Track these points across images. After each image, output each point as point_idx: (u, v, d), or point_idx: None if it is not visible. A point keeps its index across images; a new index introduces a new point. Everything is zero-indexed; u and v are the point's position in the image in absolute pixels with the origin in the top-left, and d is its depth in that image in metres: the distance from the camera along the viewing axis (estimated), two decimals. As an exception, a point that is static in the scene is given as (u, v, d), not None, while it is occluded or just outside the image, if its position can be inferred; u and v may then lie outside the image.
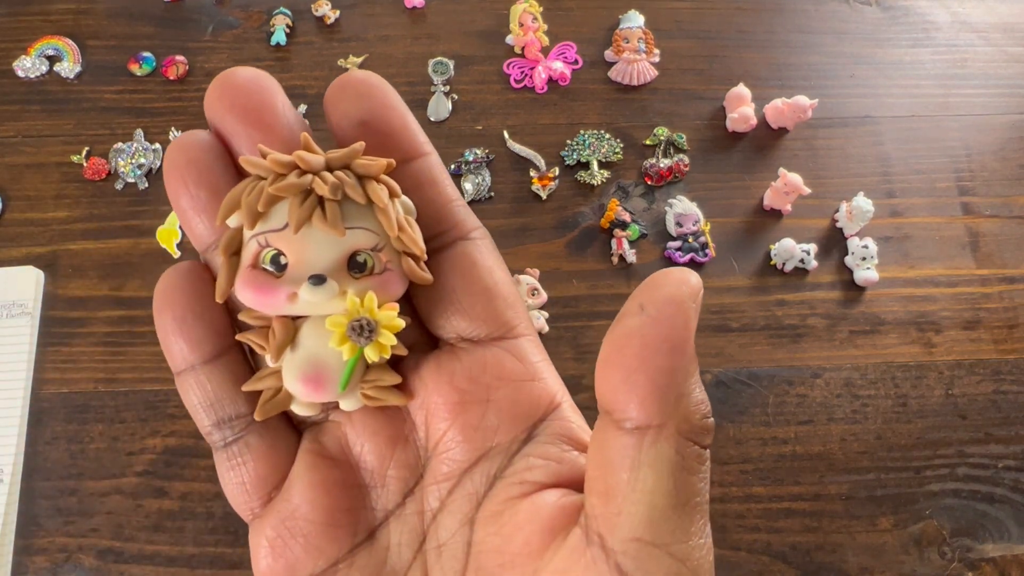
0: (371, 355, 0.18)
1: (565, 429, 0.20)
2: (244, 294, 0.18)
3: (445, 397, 0.19)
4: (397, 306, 0.18)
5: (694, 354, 0.16)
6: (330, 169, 0.18)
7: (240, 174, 0.18)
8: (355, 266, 0.18)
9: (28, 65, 0.63)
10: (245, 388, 0.19)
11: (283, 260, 0.18)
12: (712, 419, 0.17)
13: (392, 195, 0.18)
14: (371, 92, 0.19)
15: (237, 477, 0.19)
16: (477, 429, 0.19)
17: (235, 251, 0.18)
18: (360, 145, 0.18)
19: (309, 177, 0.17)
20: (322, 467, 0.19)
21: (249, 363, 0.20)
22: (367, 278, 0.18)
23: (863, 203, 0.57)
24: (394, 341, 0.18)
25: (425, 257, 0.19)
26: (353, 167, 0.18)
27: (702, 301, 0.17)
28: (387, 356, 0.19)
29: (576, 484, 0.19)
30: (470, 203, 0.59)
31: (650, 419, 0.16)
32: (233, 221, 0.18)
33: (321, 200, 0.17)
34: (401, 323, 0.18)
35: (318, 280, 0.17)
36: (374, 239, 0.18)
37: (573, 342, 0.55)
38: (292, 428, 0.20)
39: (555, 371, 0.20)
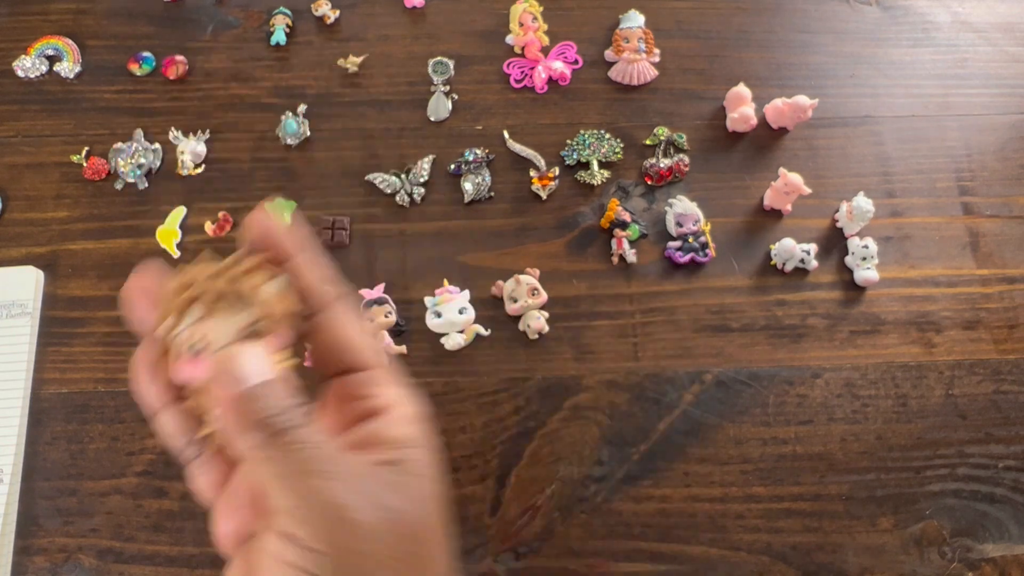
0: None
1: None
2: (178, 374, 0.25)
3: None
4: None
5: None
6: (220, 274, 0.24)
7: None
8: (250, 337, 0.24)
9: (28, 65, 0.63)
10: (197, 436, 0.25)
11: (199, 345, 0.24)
12: None
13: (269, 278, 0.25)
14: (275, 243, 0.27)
15: (208, 479, 0.25)
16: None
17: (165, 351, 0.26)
18: (241, 254, 0.25)
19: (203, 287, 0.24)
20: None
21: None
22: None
23: (863, 203, 0.57)
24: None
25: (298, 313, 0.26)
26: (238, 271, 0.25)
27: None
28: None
29: None
30: (470, 203, 0.59)
31: None
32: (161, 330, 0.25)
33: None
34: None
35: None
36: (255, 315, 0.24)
37: (573, 342, 0.55)
38: None
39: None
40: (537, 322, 0.54)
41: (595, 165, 0.60)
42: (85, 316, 0.55)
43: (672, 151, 0.61)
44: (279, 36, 0.64)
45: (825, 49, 0.65)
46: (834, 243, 0.58)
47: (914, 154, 0.62)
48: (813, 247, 0.57)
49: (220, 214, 0.58)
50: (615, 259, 0.57)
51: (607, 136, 0.61)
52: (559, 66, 0.63)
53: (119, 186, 0.59)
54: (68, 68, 0.63)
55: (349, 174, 0.60)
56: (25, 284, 0.55)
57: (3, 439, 0.52)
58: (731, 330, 0.56)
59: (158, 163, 0.60)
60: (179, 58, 0.63)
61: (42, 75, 0.63)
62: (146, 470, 0.51)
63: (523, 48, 0.64)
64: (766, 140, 0.62)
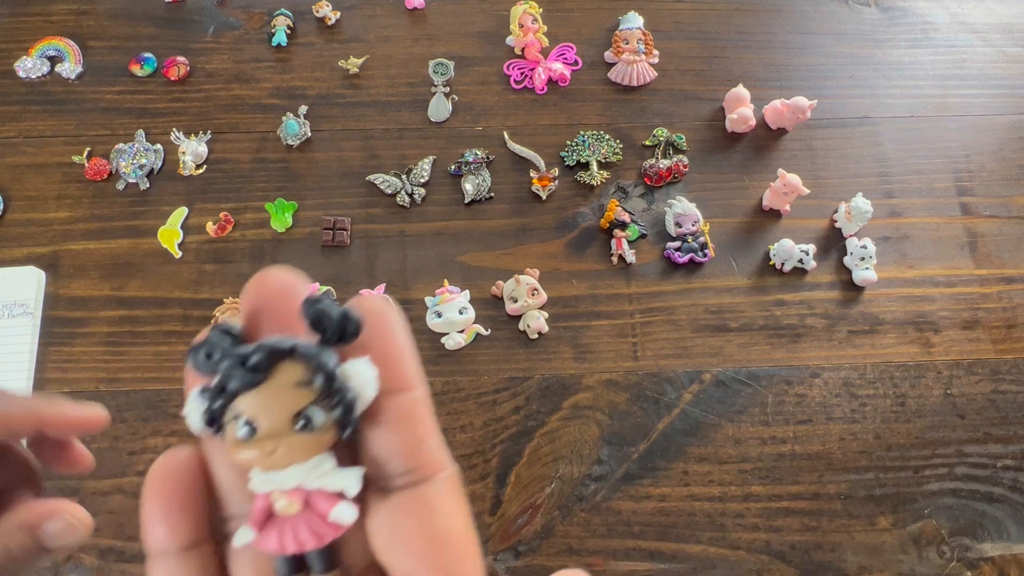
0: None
1: None
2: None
3: None
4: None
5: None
6: None
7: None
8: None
9: (29, 66, 0.63)
10: None
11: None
12: None
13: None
14: (378, 321, 0.20)
15: None
16: None
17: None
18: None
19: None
20: None
21: (221, 557, 0.20)
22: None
23: (862, 203, 0.57)
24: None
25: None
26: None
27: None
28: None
29: None
30: (470, 203, 0.59)
31: None
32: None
33: None
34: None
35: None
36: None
37: (573, 342, 0.55)
38: None
39: None
40: (537, 322, 0.55)
41: (594, 166, 0.60)
42: (86, 316, 0.55)
43: (671, 152, 0.61)
44: (280, 37, 0.64)
45: (824, 50, 0.66)
46: (833, 243, 0.58)
47: (912, 155, 0.62)
48: (812, 247, 0.57)
49: (221, 214, 0.58)
50: (614, 259, 0.57)
51: (607, 137, 0.61)
52: (559, 67, 0.63)
53: (120, 186, 0.59)
54: (70, 69, 0.63)
55: (350, 175, 0.60)
56: (27, 284, 0.56)
57: (5, 438, 0.52)
58: (730, 330, 0.56)
59: (159, 164, 0.60)
60: (180, 59, 0.63)
61: (44, 76, 0.63)
62: (147, 469, 0.51)
63: (523, 49, 0.64)
64: (765, 141, 0.62)
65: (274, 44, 0.64)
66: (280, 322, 0.20)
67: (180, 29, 0.65)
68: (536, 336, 0.55)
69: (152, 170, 0.60)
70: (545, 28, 0.65)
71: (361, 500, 0.19)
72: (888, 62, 0.65)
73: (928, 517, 0.51)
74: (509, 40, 0.65)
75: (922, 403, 0.54)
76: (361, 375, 0.19)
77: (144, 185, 0.59)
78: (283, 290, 0.20)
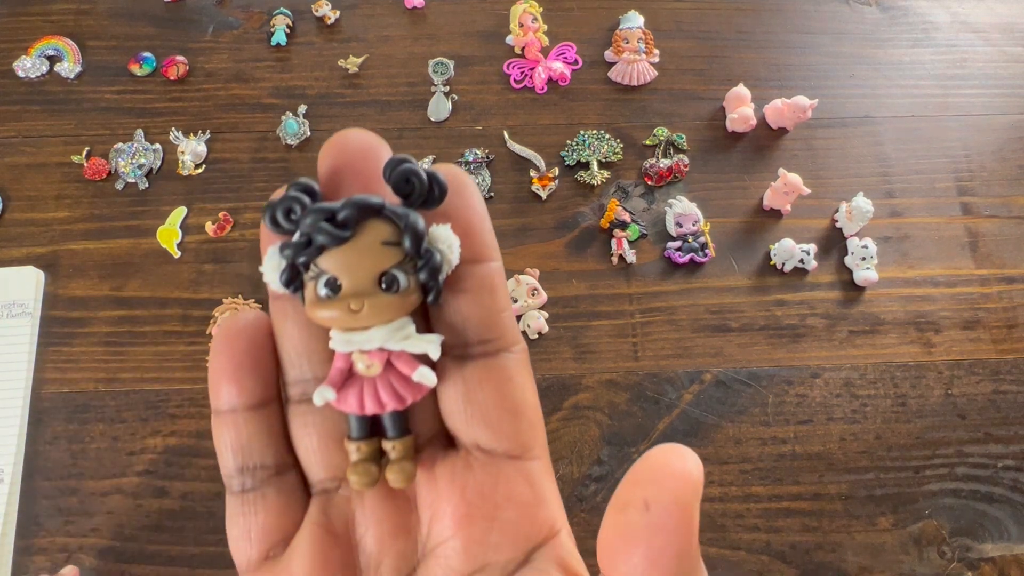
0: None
1: (561, 558, 0.20)
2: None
3: (454, 507, 0.19)
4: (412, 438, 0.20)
5: (698, 545, 0.16)
6: None
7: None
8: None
9: (28, 65, 0.63)
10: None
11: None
12: None
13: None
14: (459, 190, 0.20)
15: (245, 524, 0.19)
16: (480, 544, 0.19)
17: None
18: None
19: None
20: (325, 543, 0.19)
21: (285, 420, 0.20)
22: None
23: (862, 203, 0.57)
24: (410, 471, 0.19)
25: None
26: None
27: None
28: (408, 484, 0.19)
29: None
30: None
31: None
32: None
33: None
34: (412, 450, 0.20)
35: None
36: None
37: (573, 342, 0.55)
38: (305, 492, 0.20)
39: (559, 497, 0.21)
40: (537, 322, 0.55)
41: (595, 165, 0.60)
42: (86, 316, 0.55)
43: (672, 151, 0.61)
44: (279, 37, 0.64)
45: (824, 49, 0.65)
46: (833, 243, 0.58)
47: (913, 154, 0.62)
48: (812, 247, 0.57)
49: (220, 214, 0.58)
50: (615, 259, 0.57)
51: (607, 136, 0.61)
52: (559, 67, 0.63)
53: (120, 186, 0.59)
54: (69, 68, 0.63)
55: (349, 174, 0.60)
56: (26, 284, 0.55)
57: (3, 439, 0.52)
58: (730, 330, 0.56)
59: (158, 163, 0.60)
60: (180, 58, 0.63)
61: (43, 75, 0.63)
62: (147, 470, 0.51)
63: (523, 49, 0.64)
64: (765, 140, 0.62)
65: (273, 43, 0.64)
66: (358, 183, 0.19)
67: (179, 29, 0.65)
68: (536, 336, 0.55)
69: (151, 170, 0.60)
70: (545, 27, 0.65)
71: (435, 367, 0.19)
72: (889, 62, 0.65)
73: (929, 517, 0.51)
74: (509, 39, 0.65)
75: (923, 403, 0.54)
76: (447, 239, 0.19)
77: (143, 185, 0.59)
78: (363, 151, 0.19)
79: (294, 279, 0.19)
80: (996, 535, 0.51)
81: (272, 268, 0.19)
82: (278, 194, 0.19)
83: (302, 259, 0.18)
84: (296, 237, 0.18)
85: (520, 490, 0.20)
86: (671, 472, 0.15)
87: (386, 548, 0.20)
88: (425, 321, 0.20)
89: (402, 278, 0.18)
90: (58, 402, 0.53)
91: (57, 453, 0.52)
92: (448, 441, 0.20)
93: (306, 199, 0.18)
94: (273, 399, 0.20)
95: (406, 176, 0.18)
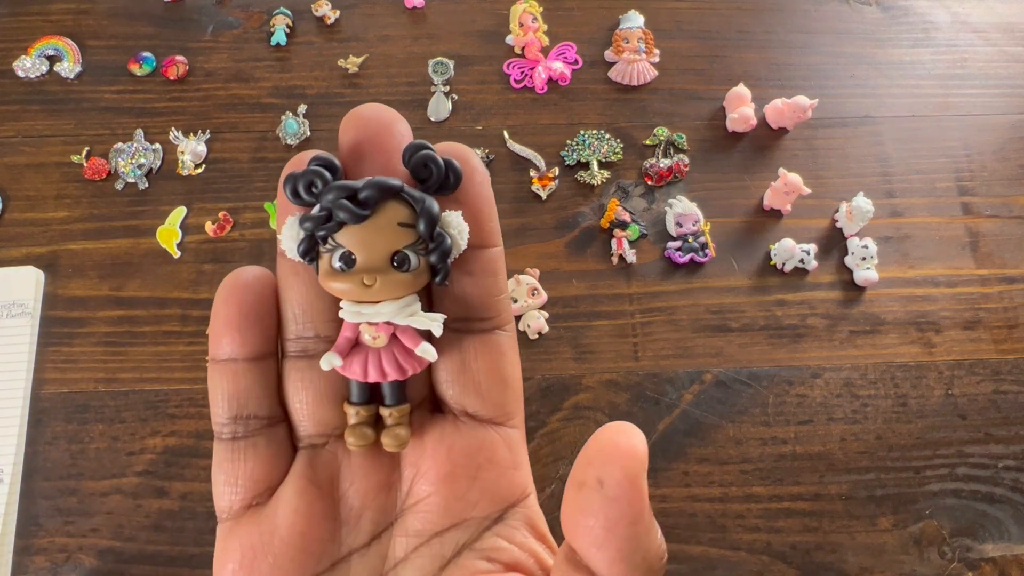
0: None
1: (530, 518, 0.22)
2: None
3: (439, 465, 0.21)
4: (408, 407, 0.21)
5: (650, 510, 0.17)
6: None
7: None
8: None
9: (28, 65, 0.63)
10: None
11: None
12: (666, 550, 0.18)
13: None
14: (471, 175, 0.21)
15: (233, 471, 0.20)
16: (460, 500, 0.21)
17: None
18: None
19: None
20: (310, 495, 0.20)
21: (280, 374, 0.21)
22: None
23: (863, 203, 0.57)
24: (404, 434, 0.20)
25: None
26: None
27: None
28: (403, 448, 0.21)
29: (532, 573, 0.21)
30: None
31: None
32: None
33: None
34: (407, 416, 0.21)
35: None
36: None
37: (573, 342, 0.55)
38: (291, 446, 0.21)
39: (529, 464, 0.23)
40: (537, 322, 0.55)
41: (595, 165, 0.60)
42: (85, 316, 0.55)
43: (672, 151, 0.61)
44: (279, 36, 0.64)
45: (825, 49, 0.65)
46: (834, 243, 0.58)
47: (914, 154, 0.62)
48: (813, 247, 0.57)
49: (220, 214, 0.58)
50: (615, 259, 0.57)
51: (607, 136, 0.61)
52: (559, 66, 0.63)
53: (119, 186, 0.59)
54: (68, 68, 0.63)
55: (349, 174, 0.60)
56: (25, 284, 0.55)
57: (3, 439, 0.52)
58: (731, 330, 0.56)
59: (158, 163, 0.60)
60: (179, 58, 0.63)
61: (42, 75, 0.63)
62: (146, 470, 0.51)
63: (523, 48, 0.64)
64: (766, 140, 0.62)
65: (273, 43, 0.64)
66: (378, 158, 0.20)
67: (179, 28, 0.65)
68: (536, 336, 0.55)
69: (151, 170, 0.60)
70: (545, 27, 0.65)
71: (435, 342, 0.21)
72: (889, 61, 0.65)
73: (929, 518, 0.51)
74: (509, 39, 0.65)
75: (923, 403, 0.54)
76: (457, 226, 0.20)
77: (143, 185, 0.59)
78: (382, 125, 0.20)
79: (311, 250, 0.20)
80: (997, 535, 0.51)
81: (291, 238, 0.20)
82: (298, 164, 0.20)
83: (321, 233, 0.19)
84: (316, 211, 0.19)
85: (501, 453, 0.21)
86: (619, 450, 0.17)
87: (368, 502, 0.21)
88: (428, 298, 0.21)
89: (413, 258, 0.19)
90: (58, 402, 0.53)
91: (57, 453, 0.52)
92: (434, 407, 0.22)
93: (327, 174, 0.20)
94: (272, 353, 0.21)
95: (424, 162, 0.19)
